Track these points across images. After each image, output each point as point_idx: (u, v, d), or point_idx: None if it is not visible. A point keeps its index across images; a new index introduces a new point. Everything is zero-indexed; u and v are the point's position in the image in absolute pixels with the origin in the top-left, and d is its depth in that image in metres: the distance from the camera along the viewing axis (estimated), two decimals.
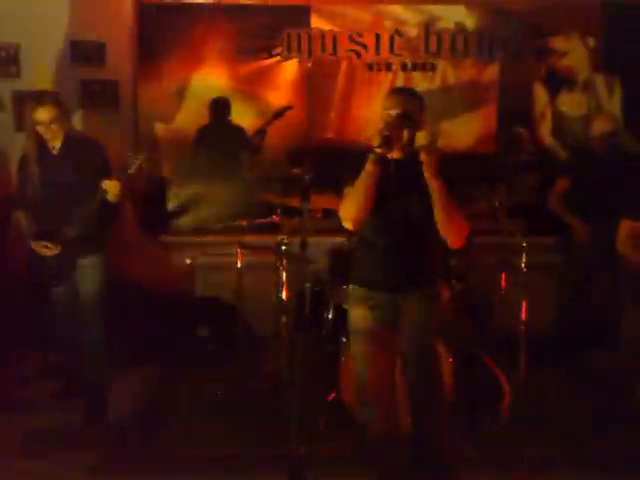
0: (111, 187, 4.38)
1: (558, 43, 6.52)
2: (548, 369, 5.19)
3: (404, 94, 3.45)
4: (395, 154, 3.38)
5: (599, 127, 5.36)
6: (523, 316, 4.72)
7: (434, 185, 3.31)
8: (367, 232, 3.49)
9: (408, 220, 3.42)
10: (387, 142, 3.24)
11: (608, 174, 5.20)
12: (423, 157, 3.27)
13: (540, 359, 4.98)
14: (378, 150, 3.25)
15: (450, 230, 3.33)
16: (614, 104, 6.52)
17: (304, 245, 4.20)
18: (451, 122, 6.42)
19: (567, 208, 5.36)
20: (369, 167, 3.29)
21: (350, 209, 3.36)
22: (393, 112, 3.35)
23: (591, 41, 6.49)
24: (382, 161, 3.29)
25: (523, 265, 4.70)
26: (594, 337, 5.25)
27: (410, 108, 3.37)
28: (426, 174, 3.29)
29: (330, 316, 4.65)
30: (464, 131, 6.49)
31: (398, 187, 3.39)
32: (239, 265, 4.96)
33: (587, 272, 5.36)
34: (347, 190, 3.39)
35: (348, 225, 3.39)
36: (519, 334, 4.74)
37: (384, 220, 3.44)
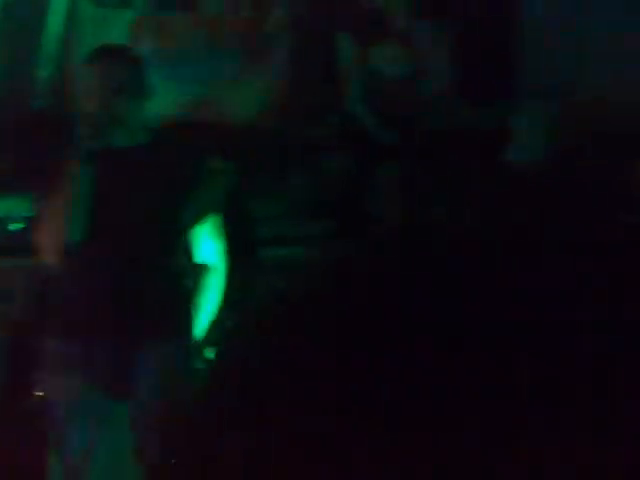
0: None
1: None
2: None
3: (112, 59, 3.00)
4: (119, 139, 2.90)
5: None
6: None
7: None
8: (69, 254, 2.93)
9: (129, 233, 2.92)
10: (95, 134, 2.76)
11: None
12: None
13: None
14: (84, 143, 2.75)
15: None
16: (441, 59, 6.07)
17: None
18: (220, 84, 5.71)
19: None
20: (74, 171, 2.74)
21: (56, 236, 2.81)
22: (99, 88, 2.87)
23: None
24: (93, 155, 2.80)
25: None
26: None
27: (125, 75, 2.91)
28: None
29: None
30: (240, 97, 5.76)
31: (122, 185, 2.92)
32: None
33: None
34: (42, 204, 2.84)
35: (52, 259, 2.85)
36: None
37: (92, 235, 2.90)
